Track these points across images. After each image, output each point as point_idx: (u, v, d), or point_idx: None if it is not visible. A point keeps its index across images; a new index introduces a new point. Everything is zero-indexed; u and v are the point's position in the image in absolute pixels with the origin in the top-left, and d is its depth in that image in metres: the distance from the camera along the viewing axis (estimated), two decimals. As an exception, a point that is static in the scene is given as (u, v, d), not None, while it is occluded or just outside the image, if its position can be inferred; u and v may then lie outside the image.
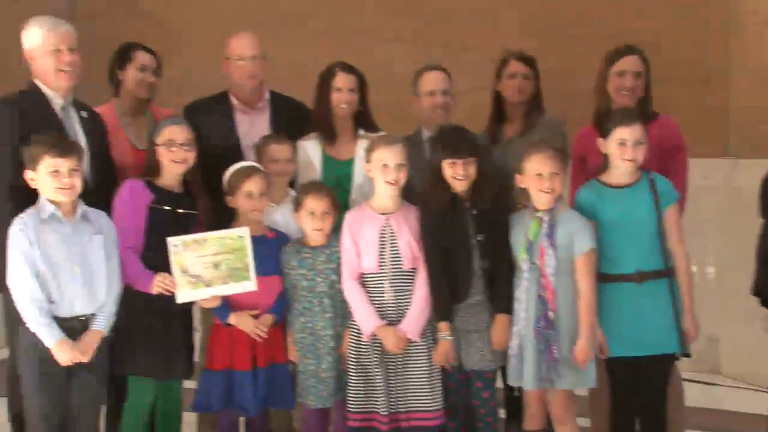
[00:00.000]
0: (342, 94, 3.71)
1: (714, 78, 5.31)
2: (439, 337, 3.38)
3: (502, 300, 3.36)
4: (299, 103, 4.03)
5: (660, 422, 3.38)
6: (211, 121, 3.57)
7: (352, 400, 3.39)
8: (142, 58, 3.92)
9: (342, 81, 3.72)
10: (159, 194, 3.40)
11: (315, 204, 3.44)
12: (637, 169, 3.33)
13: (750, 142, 5.07)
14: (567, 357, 3.24)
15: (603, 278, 3.31)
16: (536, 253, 3.27)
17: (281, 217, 3.64)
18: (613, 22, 5.32)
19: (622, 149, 3.28)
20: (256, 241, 3.40)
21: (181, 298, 3.32)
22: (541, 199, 3.28)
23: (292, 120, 3.89)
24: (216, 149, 3.57)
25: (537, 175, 3.26)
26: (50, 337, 3.05)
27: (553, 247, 3.24)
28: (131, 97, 3.93)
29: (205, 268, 3.31)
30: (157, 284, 3.29)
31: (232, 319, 3.41)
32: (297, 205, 3.49)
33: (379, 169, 3.39)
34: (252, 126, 3.90)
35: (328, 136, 3.77)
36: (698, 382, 4.79)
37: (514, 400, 3.60)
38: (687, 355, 3.40)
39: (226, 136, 3.79)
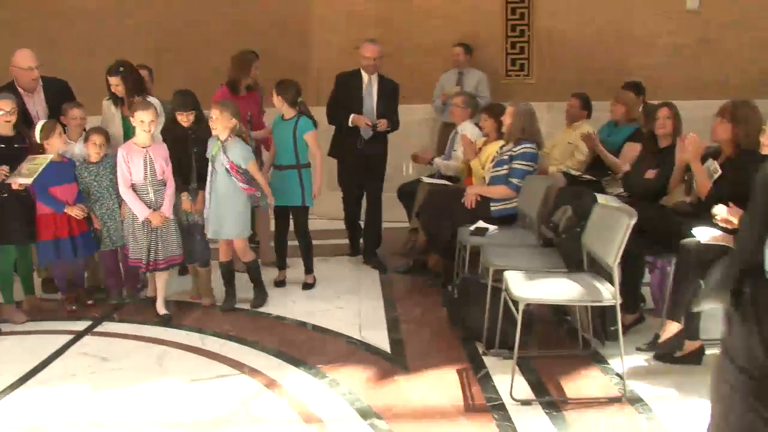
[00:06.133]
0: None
1: None
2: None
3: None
4: (60, 81, 6.67)
5: None
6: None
7: (132, 251, 6.06)
8: None
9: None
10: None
11: (96, 138, 6.07)
12: None
13: None
14: None
15: None
16: None
17: (78, 149, 6.24)
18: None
19: None
20: (57, 163, 5.98)
21: (15, 184, 5.73)
22: None
23: (58, 95, 6.51)
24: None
25: None
26: None
27: None
28: None
29: (27, 170, 5.77)
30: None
31: (68, 210, 5.93)
32: (86, 139, 6.11)
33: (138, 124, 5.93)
34: (35, 104, 6.47)
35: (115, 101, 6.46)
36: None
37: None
38: None
39: (24, 109, 6.27)
